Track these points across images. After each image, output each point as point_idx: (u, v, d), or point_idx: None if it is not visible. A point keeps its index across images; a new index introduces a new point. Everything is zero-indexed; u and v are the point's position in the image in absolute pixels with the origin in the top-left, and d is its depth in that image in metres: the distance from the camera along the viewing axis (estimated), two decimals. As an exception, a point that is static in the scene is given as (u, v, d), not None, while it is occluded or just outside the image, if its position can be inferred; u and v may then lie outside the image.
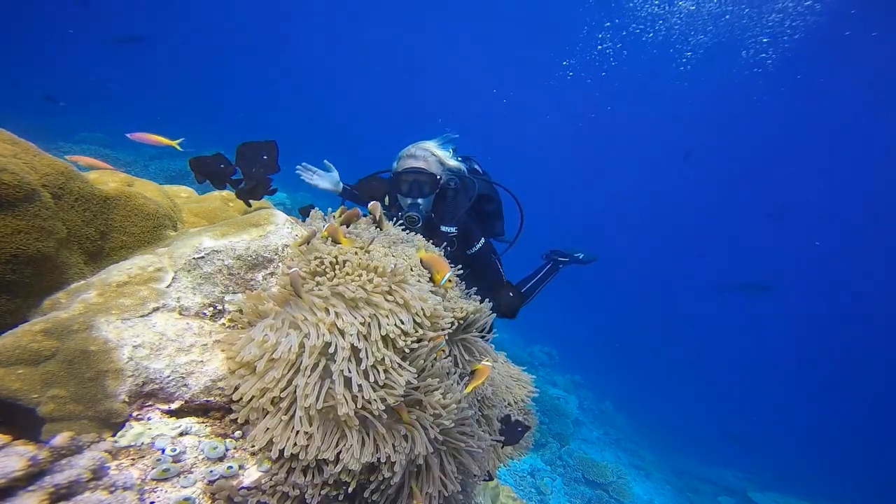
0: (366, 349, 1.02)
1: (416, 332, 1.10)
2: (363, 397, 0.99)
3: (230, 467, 0.97)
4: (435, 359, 1.16)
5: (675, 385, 14.29)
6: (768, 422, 14.07)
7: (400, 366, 1.05)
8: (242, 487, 0.97)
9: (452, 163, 2.54)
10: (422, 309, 1.11)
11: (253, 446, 1.01)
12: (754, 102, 20.18)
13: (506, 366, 1.84)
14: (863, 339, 22.78)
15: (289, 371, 1.02)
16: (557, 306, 16.50)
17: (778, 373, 19.88)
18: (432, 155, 2.44)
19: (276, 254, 1.32)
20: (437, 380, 1.12)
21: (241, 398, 1.02)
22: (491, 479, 1.51)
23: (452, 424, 1.13)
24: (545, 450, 6.35)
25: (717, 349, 20.82)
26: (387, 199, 2.37)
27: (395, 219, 2.01)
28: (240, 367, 1.07)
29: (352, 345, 1.02)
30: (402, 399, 1.04)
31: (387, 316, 1.06)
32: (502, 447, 1.57)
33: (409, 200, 2.42)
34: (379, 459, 1.00)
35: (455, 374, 1.26)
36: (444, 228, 2.41)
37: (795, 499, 8.65)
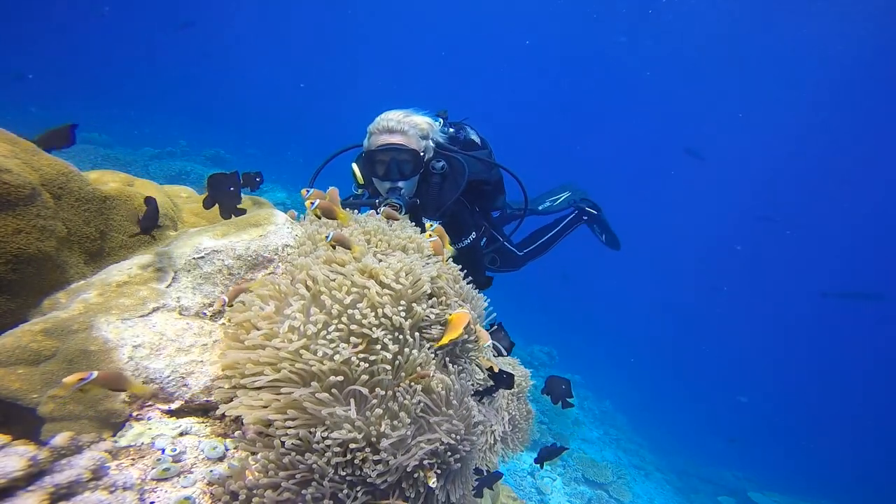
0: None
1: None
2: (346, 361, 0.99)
3: (231, 466, 0.97)
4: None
5: (675, 385, 14.29)
6: (769, 421, 14.08)
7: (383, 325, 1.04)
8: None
9: (439, 136, 2.14)
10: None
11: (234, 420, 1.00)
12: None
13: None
14: (861, 338, 22.78)
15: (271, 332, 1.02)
16: (557, 306, 16.51)
17: (778, 372, 19.89)
18: (412, 126, 1.99)
19: (275, 254, 1.33)
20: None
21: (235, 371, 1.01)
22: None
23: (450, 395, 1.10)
24: (545, 450, 6.35)
25: (717, 349, 20.82)
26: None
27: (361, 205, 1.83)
28: (232, 340, 1.08)
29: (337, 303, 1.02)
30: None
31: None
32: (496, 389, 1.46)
33: (387, 185, 2.00)
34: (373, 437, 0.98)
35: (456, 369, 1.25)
36: (426, 221, 2.13)
37: (795, 499, 8.65)
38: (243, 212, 1.49)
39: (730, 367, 18.78)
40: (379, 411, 0.98)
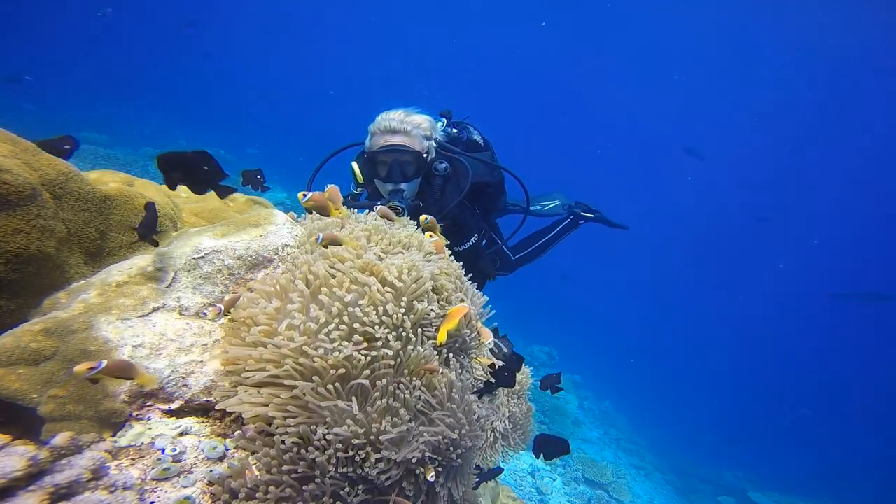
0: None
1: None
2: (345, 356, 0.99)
3: (231, 466, 0.97)
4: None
5: (675, 385, 14.29)
6: (769, 421, 14.07)
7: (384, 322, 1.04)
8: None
9: (440, 135, 2.11)
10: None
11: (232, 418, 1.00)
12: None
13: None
14: (865, 338, 22.75)
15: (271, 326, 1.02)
16: (557, 306, 16.50)
17: (779, 373, 19.87)
18: (415, 126, 1.96)
19: (276, 254, 1.32)
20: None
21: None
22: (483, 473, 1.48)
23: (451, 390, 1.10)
24: (545, 450, 6.34)
25: (717, 349, 20.81)
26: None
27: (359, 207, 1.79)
28: (234, 337, 1.09)
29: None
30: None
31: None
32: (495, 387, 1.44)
33: (389, 186, 1.97)
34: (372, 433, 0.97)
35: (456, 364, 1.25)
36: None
37: (795, 499, 8.65)
38: (231, 190, 1.42)
39: (731, 367, 18.77)
40: (380, 404, 0.98)
